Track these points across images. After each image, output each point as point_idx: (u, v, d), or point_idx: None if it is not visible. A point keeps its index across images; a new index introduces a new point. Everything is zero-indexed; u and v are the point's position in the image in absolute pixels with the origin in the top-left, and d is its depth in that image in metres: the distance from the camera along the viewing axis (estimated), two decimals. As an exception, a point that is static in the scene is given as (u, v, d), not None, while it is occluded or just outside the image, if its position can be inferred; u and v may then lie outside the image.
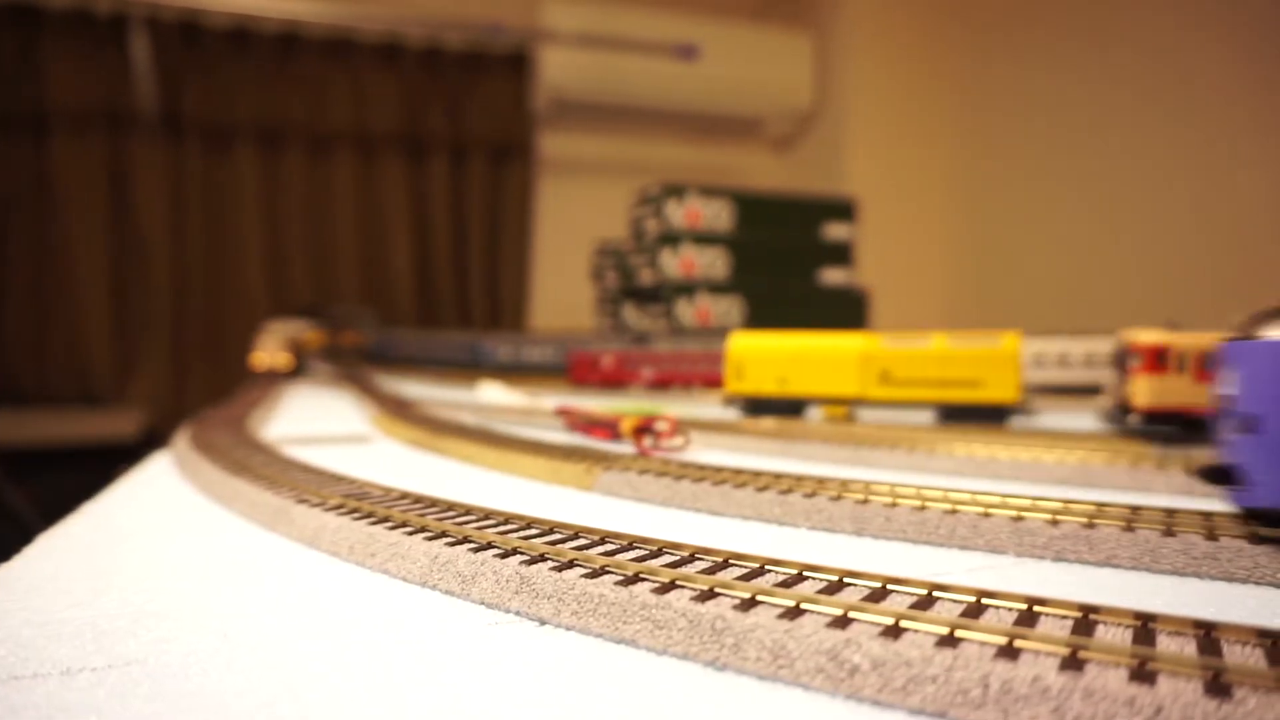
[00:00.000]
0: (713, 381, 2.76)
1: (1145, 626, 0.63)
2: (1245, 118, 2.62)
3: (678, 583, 0.75)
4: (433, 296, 4.05)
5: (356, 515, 1.07)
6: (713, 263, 2.83)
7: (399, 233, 3.59)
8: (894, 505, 1.06)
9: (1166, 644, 0.60)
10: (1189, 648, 0.59)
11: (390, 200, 3.58)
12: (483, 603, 0.81)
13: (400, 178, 3.62)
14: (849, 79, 3.79)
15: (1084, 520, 0.95)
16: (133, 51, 3.16)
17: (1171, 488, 1.25)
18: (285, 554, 1.00)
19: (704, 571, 0.78)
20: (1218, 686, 0.52)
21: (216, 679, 0.62)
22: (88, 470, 1.59)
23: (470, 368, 3.34)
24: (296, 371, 2.95)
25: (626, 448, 1.68)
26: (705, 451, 1.69)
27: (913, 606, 0.68)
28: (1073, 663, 0.56)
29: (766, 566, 0.79)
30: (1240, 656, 0.57)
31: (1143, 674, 0.54)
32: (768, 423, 1.98)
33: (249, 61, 3.34)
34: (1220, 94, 2.68)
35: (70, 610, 0.78)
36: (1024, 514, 0.99)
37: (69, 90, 3.12)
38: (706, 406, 2.48)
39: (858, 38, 3.79)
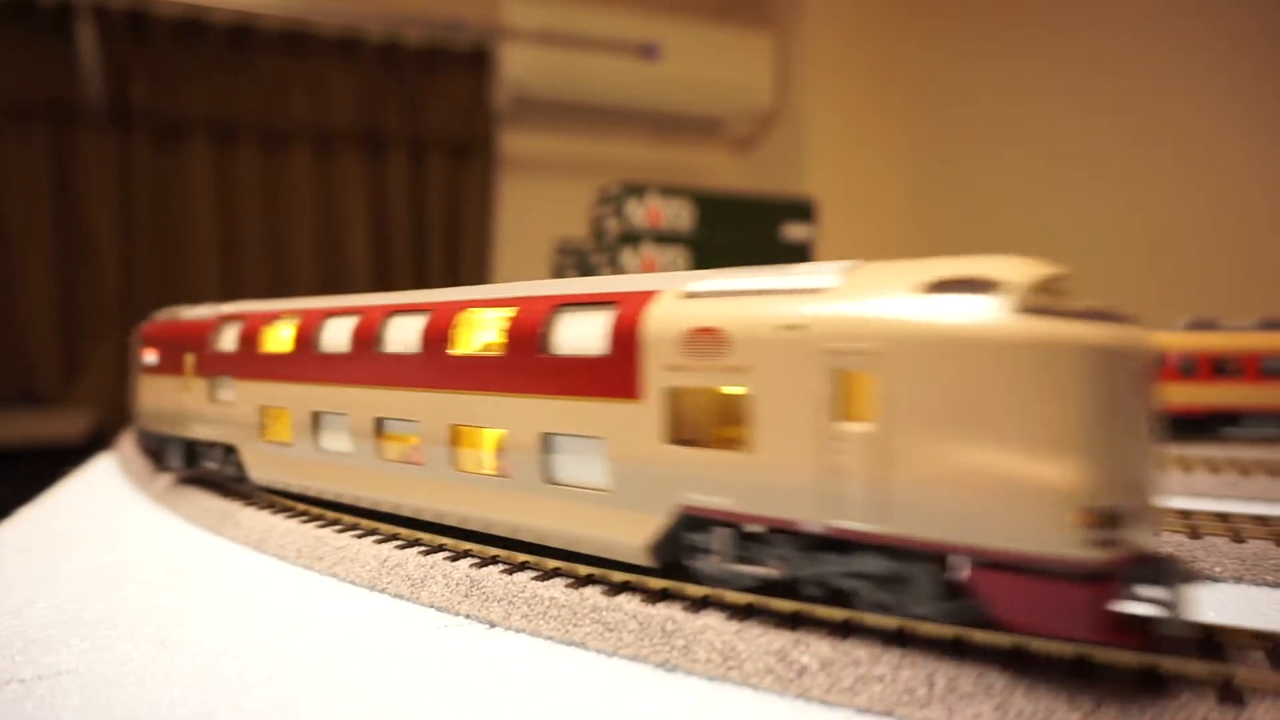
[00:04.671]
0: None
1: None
2: (1213, 125, 2.69)
3: (629, 585, 0.75)
4: (392, 295, 3.97)
5: (305, 518, 1.05)
6: (673, 262, 2.83)
7: (357, 229, 3.54)
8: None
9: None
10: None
11: (348, 197, 3.52)
12: (432, 606, 0.79)
13: (358, 174, 3.56)
14: (809, 80, 3.82)
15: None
16: (79, 42, 3.07)
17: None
18: (230, 558, 0.98)
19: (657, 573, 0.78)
20: (1153, 681, 0.53)
21: (152, 688, 0.61)
22: (31, 473, 1.54)
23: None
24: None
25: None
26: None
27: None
28: (1016, 659, 0.57)
29: (719, 567, 0.79)
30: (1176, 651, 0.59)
31: (1082, 670, 0.55)
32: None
33: (201, 54, 3.27)
34: (1191, 99, 2.74)
35: None
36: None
37: (10, 81, 3.02)
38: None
39: (818, 39, 3.82)
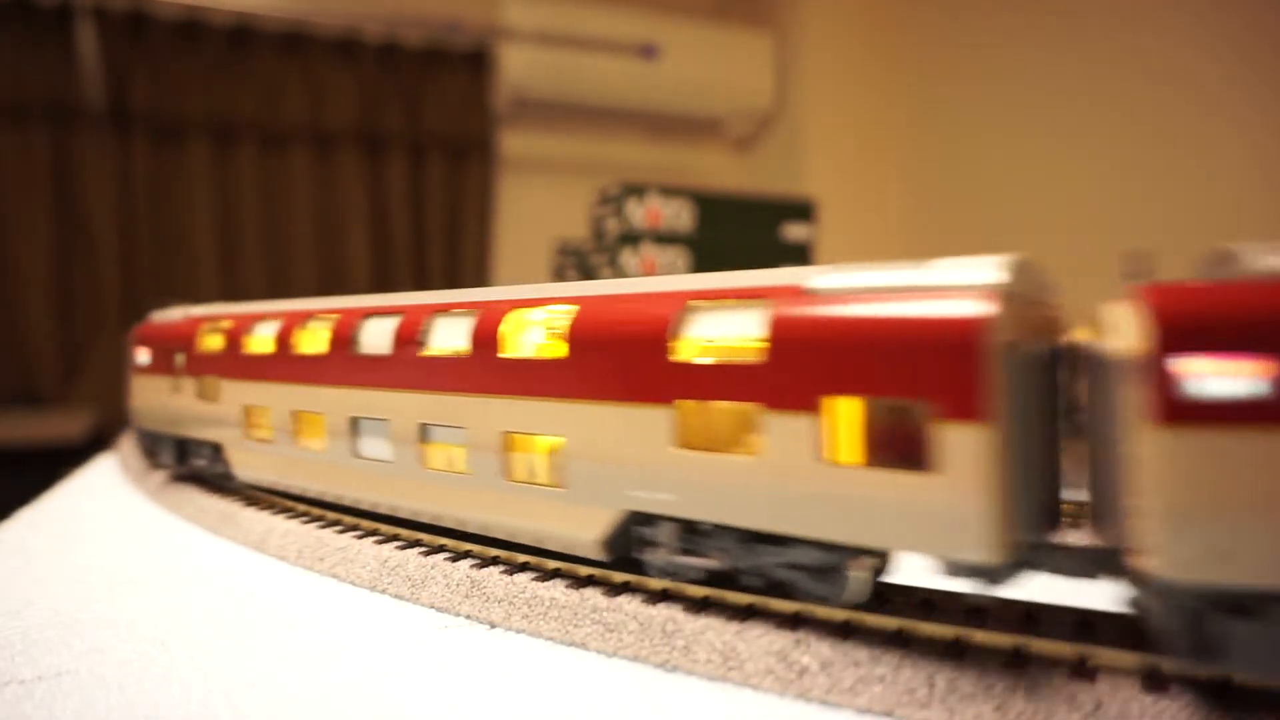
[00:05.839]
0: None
1: (1086, 623, 0.64)
2: (1218, 123, 2.68)
3: (630, 585, 0.75)
4: (391, 295, 3.95)
5: (305, 519, 1.05)
6: (673, 263, 2.83)
7: (356, 231, 3.53)
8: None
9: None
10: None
11: (347, 198, 3.52)
12: (433, 607, 0.79)
13: (358, 175, 3.55)
14: (809, 79, 3.81)
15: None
16: (79, 42, 3.07)
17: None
18: (231, 558, 0.97)
19: (656, 573, 0.78)
20: (1155, 682, 0.53)
21: (152, 689, 0.60)
22: (31, 474, 1.55)
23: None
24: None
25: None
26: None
27: (863, 606, 0.68)
28: (1016, 660, 0.57)
29: (719, 567, 0.79)
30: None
31: (1083, 671, 0.55)
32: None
33: (200, 55, 3.26)
34: (1195, 99, 2.74)
35: None
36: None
37: (10, 81, 3.02)
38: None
39: (818, 39, 3.82)
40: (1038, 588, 0.81)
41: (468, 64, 3.60)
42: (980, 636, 0.60)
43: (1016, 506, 0.55)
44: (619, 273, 2.84)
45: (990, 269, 0.57)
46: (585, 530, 0.74)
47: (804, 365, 0.60)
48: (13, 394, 3.10)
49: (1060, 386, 0.62)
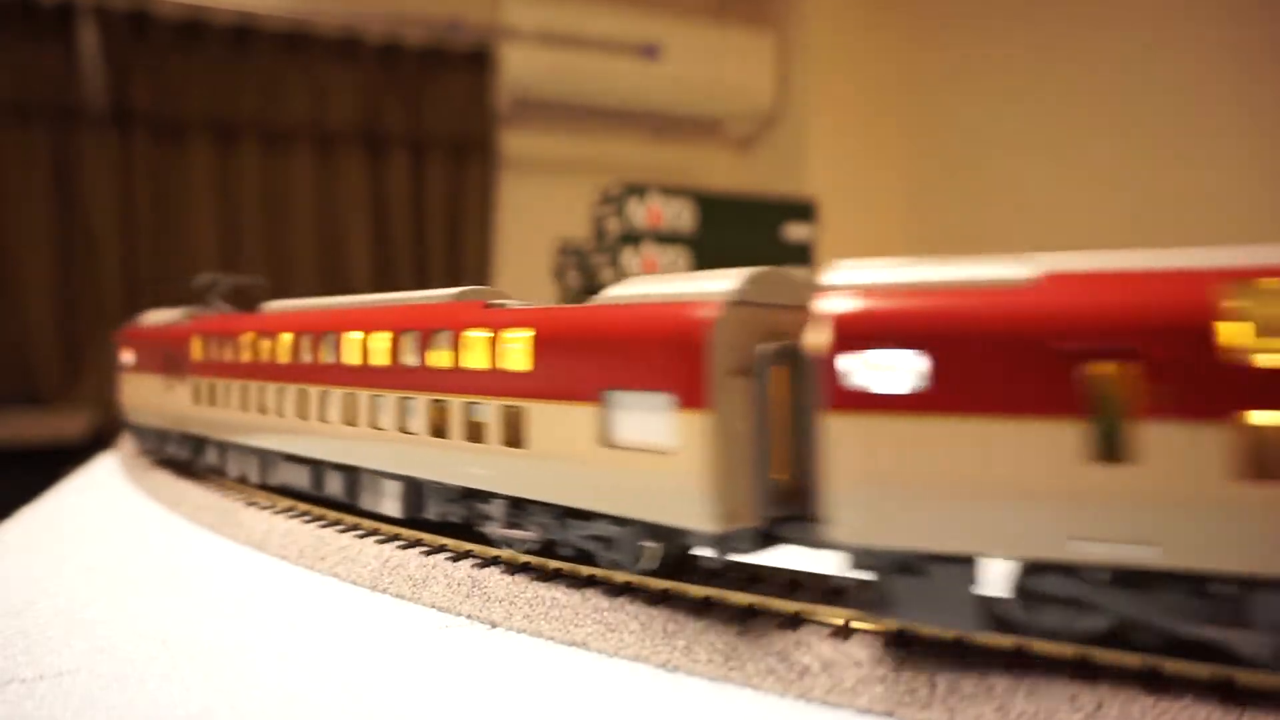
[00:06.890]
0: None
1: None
2: (1214, 120, 2.68)
3: (631, 585, 0.75)
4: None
5: (307, 518, 1.05)
6: (674, 262, 2.83)
7: (358, 230, 3.53)
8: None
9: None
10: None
11: (348, 197, 3.52)
12: (434, 606, 0.79)
13: (359, 174, 3.55)
14: (810, 80, 3.81)
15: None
16: (80, 42, 3.07)
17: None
18: (232, 558, 0.98)
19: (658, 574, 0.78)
20: (1155, 682, 0.53)
21: (152, 688, 0.61)
22: (31, 474, 1.55)
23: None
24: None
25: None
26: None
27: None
28: (1018, 661, 0.57)
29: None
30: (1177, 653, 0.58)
31: (1084, 671, 0.55)
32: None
33: (201, 54, 3.26)
34: (1190, 95, 2.73)
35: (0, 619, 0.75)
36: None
37: (12, 81, 3.02)
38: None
39: (818, 39, 3.81)
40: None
41: (469, 63, 3.60)
42: (980, 637, 0.60)
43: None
44: (620, 273, 2.84)
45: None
46: None
47: None
48: (13, 394, 3.10)
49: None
